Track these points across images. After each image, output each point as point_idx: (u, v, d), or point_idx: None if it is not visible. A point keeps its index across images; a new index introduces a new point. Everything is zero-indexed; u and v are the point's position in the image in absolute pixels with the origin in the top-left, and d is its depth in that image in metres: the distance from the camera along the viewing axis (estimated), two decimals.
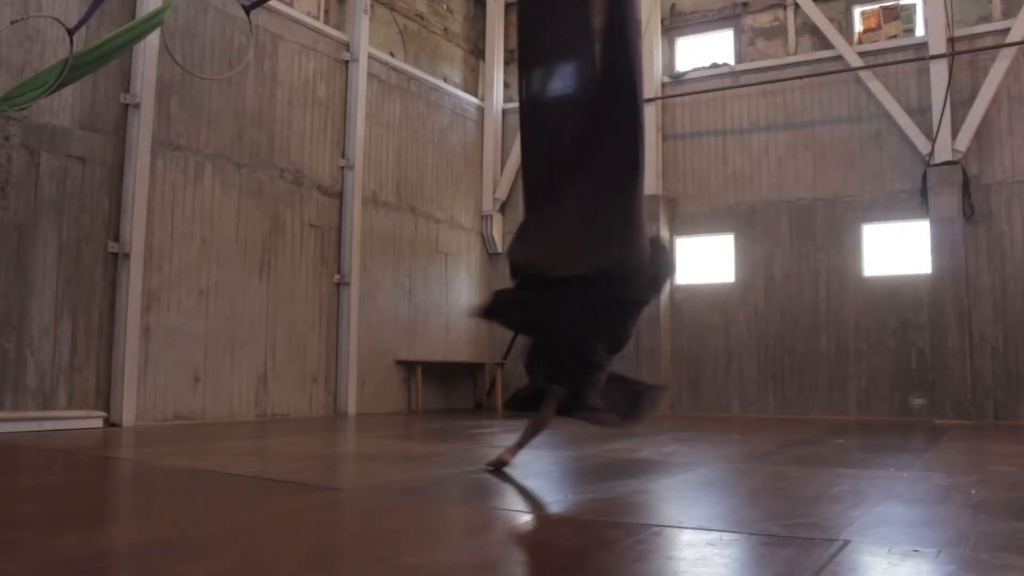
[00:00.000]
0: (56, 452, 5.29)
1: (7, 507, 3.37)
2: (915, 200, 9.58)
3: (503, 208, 12.38)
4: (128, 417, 7.22)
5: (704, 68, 11.24)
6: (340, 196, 9.84)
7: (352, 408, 9.58)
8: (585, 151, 4.42)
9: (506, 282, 12.20)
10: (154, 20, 6.61)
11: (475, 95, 12.44)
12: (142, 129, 7.52)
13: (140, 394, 7.40)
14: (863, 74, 10.03)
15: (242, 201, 8.61)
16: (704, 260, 11.01)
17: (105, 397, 7.24)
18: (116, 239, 7.40)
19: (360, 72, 10.02)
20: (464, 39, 12.42)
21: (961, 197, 9.26)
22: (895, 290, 9.73)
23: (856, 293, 9.93)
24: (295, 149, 9.29)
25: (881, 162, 9.96)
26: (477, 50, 12.66)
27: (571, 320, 4.46)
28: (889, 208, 9.86)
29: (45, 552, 2.42)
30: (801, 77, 10.41)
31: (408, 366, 10.66)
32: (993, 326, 9.14)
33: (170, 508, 3.41)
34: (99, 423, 6.98)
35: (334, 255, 9.72)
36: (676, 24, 11.53)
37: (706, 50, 11.39)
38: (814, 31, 10.53)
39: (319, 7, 10.00)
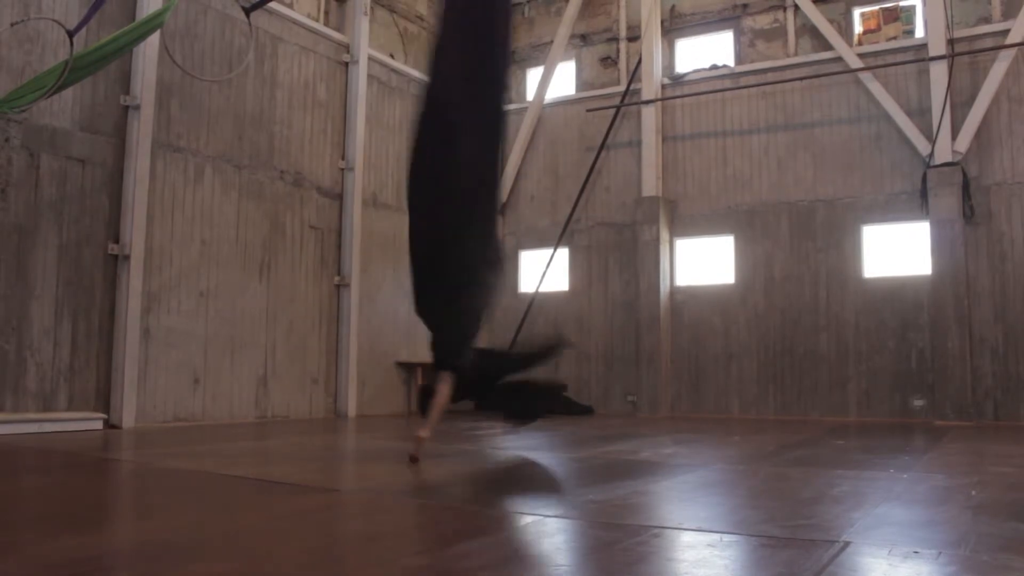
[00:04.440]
0: (56, 454, 5.29)
1: (8, 508, 3.37)
2: (915, 201, 9.58)
3: (503, 210, 12.37)
4: (128, 419, 7.22)
5: (704, 70, 11.24)
6: (340, 198, 9.84)
7: (352, 410, 9.58)
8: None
9: (505, 282, 12.10)
10: (154, 22, 6.61)
11: None
12: (142, 131, 7.52)
13: (140, 396, 7.40)
14: (863, 75, 10.03)
15: (242, 202, 8.61)
16: (704, 261, 11.01)
17: (105, 399, 7.23)
18: (116, 241, 7.40)
19: (360, 74, 10.03)
20: None
21: (961, 198, 9.25)
22: (895, 291, 9.73)
23: (856, 294, 9.93)
24: (295, 151, 9.30)
25: (881, 163, 9.96)
26: None
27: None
28: (889, 209, 9.86)
29: (45, 553, 2.42)
30: (801, 79, 10.40)
31: (408, 368, 10.65)
32: (993, 327, 9.14)
33: (170, 510, 3.41)
34: (99, 425, 6.98)
35: (334, 257, 9.72)
36: (676, 26, 11.54)
37: (706, 51, 11.39)
38: (814, 32, 10.53)
39: (319, 9, 10.01)
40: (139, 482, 4.43)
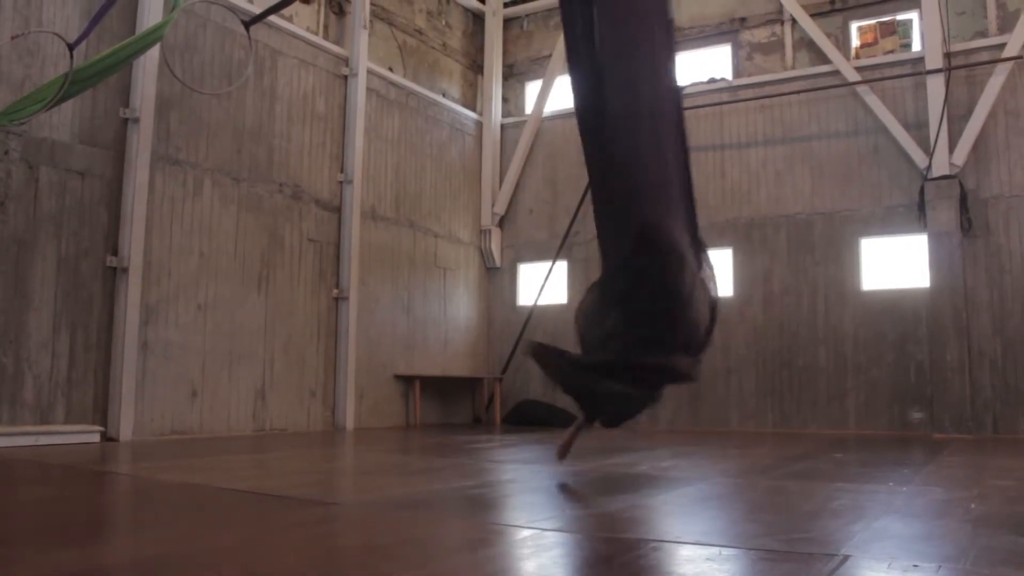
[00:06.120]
0: (53, 467, 5.27)
1: (5, 521, 3.36)
2: (913, 214, 9.60)
3: (501, 223, 12.40)
4: (125, 431, 7.20)
5: (702, 83, 11.28)
6: (339, 210, 9.85)
7: (350, 423, 9.56)
8: None
9: (504, 295, 12.12)
10: (154, 35, 6.63)
11: (474, 110, 12.49)
12: (141, 143, 7.53)
13: (138, 408, 7.38)
14: (860, 89, 10.07)
15: (241, 215, 8.62)
16: None
17: (103, 411, 7.21)
18: (115, 253, 7.40)
19: (359, 87, 10.06)
20: (463, 54, 12.48)
21: (959, 211, 9.28)
22: (893, 304, 9.73)
23: (854, 307, 9.93)
24: (294, 163, 9.31)
25: (879, 176, 9.99)
26: (476, 65, 12.71)
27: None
28: (887, 222, 9.88)
29: (42, 567, 2.41)
30: (799, 92, 10.45)
31: (407, 380, 10.64)
32: (991, 339, 9.14)
33: (167, 523, 3.40)
34: (96, 438, 6.96)
35: (333, 269, 9.72)
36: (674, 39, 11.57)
37: (704, 65, 11.44)
38: (811, 46, 10.58)
39: (318, 22, 10.05)
40: (136, 495, 4.41)
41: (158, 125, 7.78)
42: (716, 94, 11.08)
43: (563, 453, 5.27)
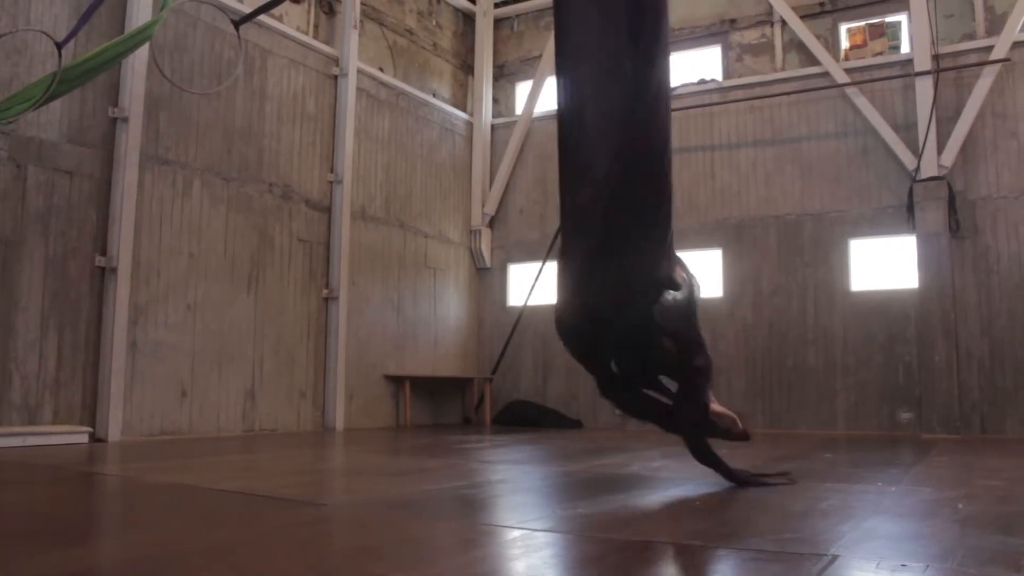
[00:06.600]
0: (41, 468, 5.24)
1: None
2: (901, 215, 9.65)
3: (492, 223, 12.40)
4: (114, 432, 7.16)
5: (692, 84, 11.30)
6: (329, 211, 9.83)
7: (340, 423, 9.54)
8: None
9: (494, 296, 12.10)
10: (143, 34, 6.60)
11: (464, 110, 12.48)
12: (130, 143, 7.50)
13: (126, 409, 7.35)
14: (849, 90, 10.12)
15: (230, 215, 8.59)
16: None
17: (91, 412, 7.18)
18: (103, 253, 7.37)
19: (349, 87, 10.04)
20: (453, 55, 12.47)
21: (947, 212, 9.32)
22: (882, 305, 9.77)
23: (843, 308, 9.97)
24: (284, 164, 9.29)
25: (868, 177, 10.03)
26: (466, 65, 12.71)
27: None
28: (876, 223, 9.92)
29: (30, 569, 2.40)
30: (788, 93, 10.48)
31: (396, 381, 10.63)
32: (979, 340, 9.19)
33: (155, 524, 3.38)
34: (85, 438, 6.92)
35: (322, 270, 9.70)
36: None
37: (694, 66, 11.47)
38: (801, 47, 10.62)
39: (309, 22, 10.02)
40: (125, 496, 4.39)
41: (147, 125, 7.75)
42: (706, 95, 11.10)
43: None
